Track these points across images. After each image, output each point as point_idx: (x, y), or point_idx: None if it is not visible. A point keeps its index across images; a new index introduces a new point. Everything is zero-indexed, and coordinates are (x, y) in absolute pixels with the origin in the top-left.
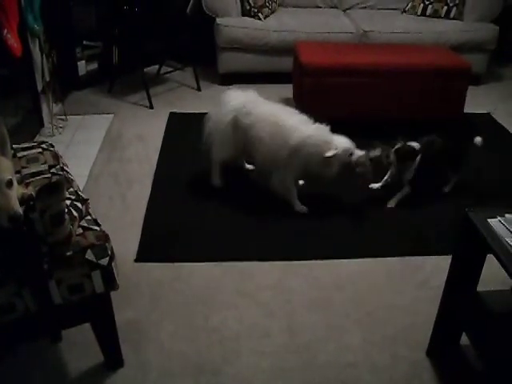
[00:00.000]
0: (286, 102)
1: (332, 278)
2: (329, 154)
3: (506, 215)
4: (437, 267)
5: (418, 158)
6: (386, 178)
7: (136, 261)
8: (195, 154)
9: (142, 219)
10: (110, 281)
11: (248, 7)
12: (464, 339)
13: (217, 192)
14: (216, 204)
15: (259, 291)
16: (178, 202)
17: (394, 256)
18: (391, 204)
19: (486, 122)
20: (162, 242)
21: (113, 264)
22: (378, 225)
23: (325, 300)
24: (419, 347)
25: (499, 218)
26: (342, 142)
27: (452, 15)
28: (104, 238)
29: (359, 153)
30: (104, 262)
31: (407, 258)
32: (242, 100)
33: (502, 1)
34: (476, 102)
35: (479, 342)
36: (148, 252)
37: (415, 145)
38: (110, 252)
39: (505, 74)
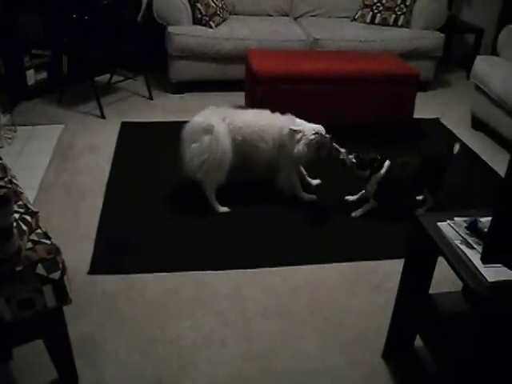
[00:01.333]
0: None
1: (287, 285)
2: (293, 127)
3: (456, 218)
4: (389, 271)
5: (383, 171)
6: (362, 192)
7: (89, 273)
8: (148, 164)
9: (95, 231)
10: (62, 295)
11: (199, 15)
12: (419, 341)
13: (169, 202)
14: (168, 214)
15: (215, 300)
16: (131, 212)
17: (347, 261)
18: (356, 214)
19: (435, 127)
20: (115, 253)
21: (65, 278)
22: (331, 231)
23: (280, 307)
24: (375, 351)
25: (449, 221)
26: (310, 125)
27: (400, 23)
28: (55, 251)
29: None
30: (55, 275)
31: (361, 262)
32: (225, 118)
33: (446, 10)
34: (425, 107)
35: (432, 343)
36: (101, 264)
37: (374, 156)
38: (61, 265)
39: (451, 80)
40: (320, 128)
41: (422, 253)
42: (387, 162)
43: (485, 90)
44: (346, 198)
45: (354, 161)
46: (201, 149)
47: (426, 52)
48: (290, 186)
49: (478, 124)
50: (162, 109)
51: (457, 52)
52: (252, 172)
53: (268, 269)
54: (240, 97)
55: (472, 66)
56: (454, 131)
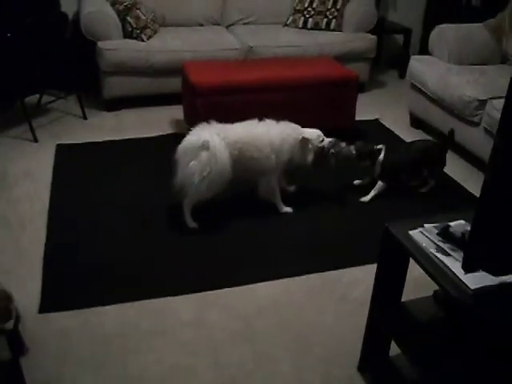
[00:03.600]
0: (178, 123)
1: (251, 304)
2: (306, 135)
3: (426, 225)
4: (352, 279)
5: (381, 156)
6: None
7: (40, 312)
8: (90, 188)
9: (41, 264)
10: (17, 346)
11: (130, 29)
12: (394, 349)
13: (118, 227)
14: (118, 239)
15: (178, 329)
16: (78, 241)
17: (310, 273)
18: (366, 199)
19: (375, 128)
20: (65, 287)
21: (20, 326)
22: (290, 243)
23: (248, 329)
24: (350, 363)
25: (420, 229)
26: (313, 131)
27: (332, 27)
28: (6, 298)
29: (328, 139)
30: (9, 325)
31: (323, 273)
32: (219, 133)
33: (376, 12)
34: (363, 109)
35: (410, 350)
36: (52, 300)
37: (371, 146)
38: (14, 313)
39: (384, 80)
40: (320, 133)
41: (394, 262)
42: (383, 147)
43: (422, 88)
44: (355, 182)
45: (355, 153)
46: (200, 166)
47: (359, 54)
48: (270, 192)
49: (416, 122)
50: (97, 128)
51: (387, 52)
52: (246, 182)
53: (230, 289)
54: (178, 110)
55: (403, 65)
56: (395, 131)
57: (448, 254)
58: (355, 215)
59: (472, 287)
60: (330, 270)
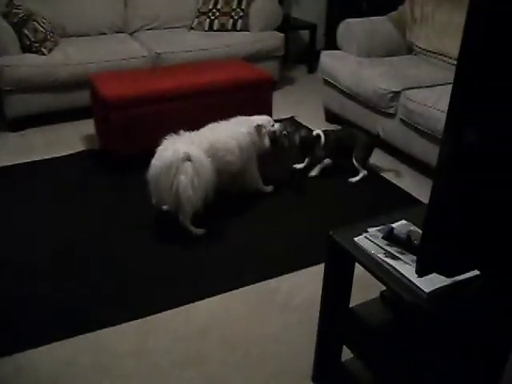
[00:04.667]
0: (89, 139)
1: (193, 325)
2: (259, 122)
3: (369, 230)
4: (290, 286)
5: (322, 140)
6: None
7: None
8: (1, 219)
9: None
10: None
11: (28, 42)
12: (345, 353)
13: (38, 258)
14: (34, 274)
15: (119, 362)
16: None
17: (247, 285)
18: (314, 173)
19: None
20: None
21: None
22: (222, 255)
23: (194, 352)
24: (303, 374)
25: (364, 234)
26: (263, 117)
27: (239, 27)
28: None
29: (277, 124)
30: None
31: (261, 283)
32: (193, 141)
33: (281, 9)
34: (277, 107)
35: (363, 354)
36: None
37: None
38: None
39: (294, 76)
40: (270, 118)
41: (340, 269)
42: (321, 133)
43: (335, 83)
44: (294, 166)
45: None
46: (189, 177)
47: (268, 53)
48: (254, 183)
49: (331, 117)
50: (3, 151)
51: (293, 49)
52: (224, 186)
53: (168, 312)
54: (88, 124)
55: (311, 60)
56: (311, 127)
57: (397, 258)
58: (285, 219)
59: (426, 290)
60: (267, 278)
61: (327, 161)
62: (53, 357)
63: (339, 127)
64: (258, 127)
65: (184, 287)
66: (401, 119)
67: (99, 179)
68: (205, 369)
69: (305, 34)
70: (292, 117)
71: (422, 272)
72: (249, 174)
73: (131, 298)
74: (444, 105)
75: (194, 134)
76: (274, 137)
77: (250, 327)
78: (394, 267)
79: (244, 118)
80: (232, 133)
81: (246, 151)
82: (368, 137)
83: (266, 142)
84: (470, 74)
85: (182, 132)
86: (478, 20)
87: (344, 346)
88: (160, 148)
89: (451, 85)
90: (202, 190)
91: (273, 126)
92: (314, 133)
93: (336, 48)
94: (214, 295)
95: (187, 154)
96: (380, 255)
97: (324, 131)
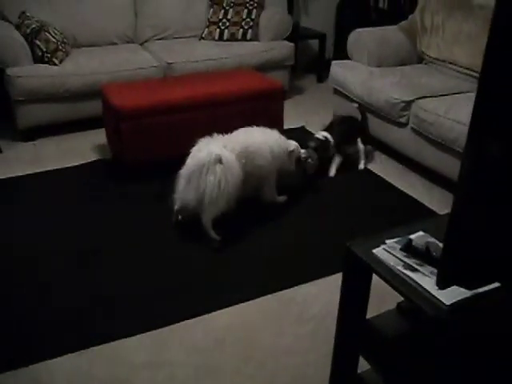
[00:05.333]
0: (101, 148)
1: (209, 336)
2: (291, 147)
3: (387, 241)
4: (307, 296)
5: (332, 141)
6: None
7: None
8: (10, 229)
9: None
10: None
11: (40, 53)
12: (362, 364)
13: (52, 269)
14: (56, 283)
15: (135, 374)
16: (5, 291)
17: (263, 295)
18: (332, 173)
19: (303, 135)
20: (3, 344)
21: None
22: (239, 266)
23: (210, 363)
24: None
25: (382, 246)
26: (292, 142)
27: (249, 37)
28: None
29: (303, 150)
30: None
31: (277, 293)
32: (226, 145)
33: (290, 19)
34: (288, 117)
35: (380, 366)
36: None
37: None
38: None
39: (304, 85)
40: (297, 144)
41: (358, 281)
42: (327, 134)
43: (345, 93)
44: (330, 175)
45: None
46: (217, 180)
47: (279, 62)
48: (273, 196)
49: None
50: (15, 161)
51: (303, 58)
52: (250, 192)
53: (184, 323)
54: (100, 134)
55: (320, 69)
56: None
57: (416, 270)
58: (299, 228)
59: (447, 303)
60: (284, 288)
61: (338, 158)
62: (69, 368)
63: (326, 123)
64: (291, 152)
65: (199, 298)
66: (412, 128)
67: (111, 189)
68: (220, 381)
69: (314, 43)
70: (310, 132)
71: (443, 285)
72: (268, 186)
73: (146, 309)
74: (455, 114)
75: (228, 137)
76: (298, 160)
77: (265, 339)
78: (413, 279)
79: (276, 132)
80: (265, 137)
81: (277, 157)
82: (356, 118)
83: (293, 165)
84: (494, 84)
85: (215, 134)
86: (502, 29)
87: (360, 358)
88: (194, 148)
89: (462, 94)
90: (228, 194)
91: (299, 151)
92: (322, 137)
93: (345, 57)
94: (229, 305)
95: (219, 156)
96: (399, 267)
97: (325, 130)
